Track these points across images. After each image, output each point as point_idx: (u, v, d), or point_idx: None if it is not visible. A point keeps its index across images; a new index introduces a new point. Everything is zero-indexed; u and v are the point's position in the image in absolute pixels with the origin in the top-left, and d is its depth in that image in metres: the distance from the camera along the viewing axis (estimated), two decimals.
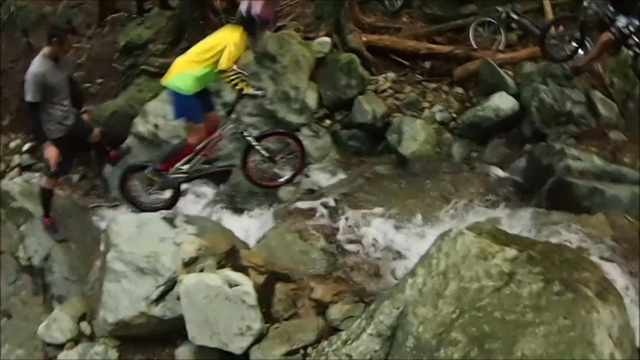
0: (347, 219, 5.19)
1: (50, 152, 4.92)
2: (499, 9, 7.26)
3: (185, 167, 5.54)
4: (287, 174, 5.94)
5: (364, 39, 7.07)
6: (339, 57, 6.84)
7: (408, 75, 7.05)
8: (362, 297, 4.26)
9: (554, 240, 4.15)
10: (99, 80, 8.53)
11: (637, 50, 6.15)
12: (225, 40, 5.06)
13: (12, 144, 8.26)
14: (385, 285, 4.37)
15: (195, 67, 5.13)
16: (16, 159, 7.98)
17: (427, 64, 7.10)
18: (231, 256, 4.39)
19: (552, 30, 6.53)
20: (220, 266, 4.23)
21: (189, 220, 4.70)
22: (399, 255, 4.79)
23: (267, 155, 5.62)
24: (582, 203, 4.87)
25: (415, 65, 7.10)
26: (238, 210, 5.90)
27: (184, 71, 5.14)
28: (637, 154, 5.68)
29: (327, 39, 7.00)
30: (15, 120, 8.46)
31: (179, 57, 5.35)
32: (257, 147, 5.54)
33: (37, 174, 7.56)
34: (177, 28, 8.02)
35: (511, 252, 3.38)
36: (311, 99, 6.58)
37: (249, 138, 5.52)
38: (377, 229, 5.06)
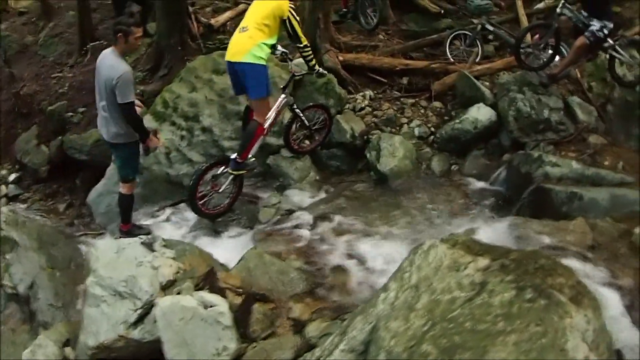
0: (326, 238, 5.19)
1: (156, 141, 5.20)
2: (475, 21, 7.32)
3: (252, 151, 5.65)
4: (318, 139, 6.47)
5: (340, 58, 7.11)
6: (315, 78, 6.84)
7: (386, 92, 7.07)
8: (341, 314, 4.21)
9: (530, 247, 4.11)
10: (81, 109, 8.49)
11: (613, 53, 6.17)
12: (279, 9, 5.34)
13: None
14: (364, 302, 4.31)
15: (265, 36, 5.33)
16: (3, 189, 8.03)
17: (405, 80, 7.13)
18: (209, 278, 4.35)
19: (528, 39, 6.58)
20: (198, 288, 4.22)
21: (168, 244, 4.70)
22: (378, 272, 4.73)
23: (307, 124, 6.16)
24: (561, 209, 4.85)
25: (393, 82, 7.13)
26: (218, 233, 5.87)
27: (260, 41, 5.29)
28: (616, 156, 5.66)
29: None
30: (2, 149, 8.52)
31: (235, 35, 5.49)
32: (302, 117, 6.06)
33: (23, 205, 7.72)
34: (155, 55, 8.06)
35: (484, 261, 3.34)
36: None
37: (297, 110, 6.01)
38: (356, 246, 5.04)
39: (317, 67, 5.79)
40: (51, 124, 8.35)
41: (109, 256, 4.48)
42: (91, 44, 9.33)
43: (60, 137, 7.95)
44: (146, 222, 6.18)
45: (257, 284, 4.46)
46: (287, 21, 5.42)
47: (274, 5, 5.42)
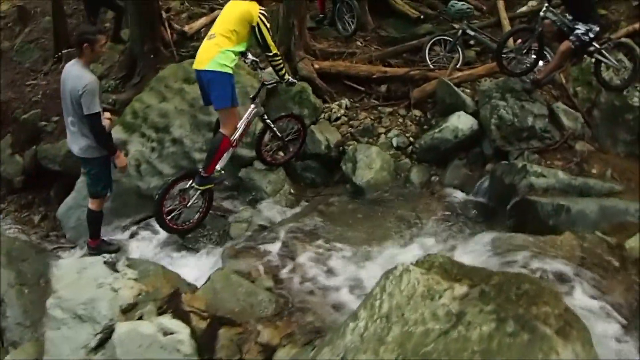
0: (298, 256, 4.78)
1: (124, 160, 4.96)
2: (455, 26, 6.93)
3: (219, 164, 5.27)
4: (292, 150, 6.09)
5: (316, 66, 6.71)
6: (287, 87, 6.44)
7: (363, 101, 6.68)
8: (313, 338, 3.84)
9: (514, 267, 3.70)
10: (55, 118, 8.06)
11: (599, 57, 5.80)
12: (248, 13, 4.95)
13: None
14: (337, 324, 3.92)
15: (232, 43, 4.96)
16: None
17: (383, 88, 6.73)
18: (173, 301, 4.02)
19: (510, 43, 6.20)
20: (161, 311, 3.92)
21: (131, 263, 4.44)
22: (353, 292, 4.34)
23: (279, 135, 5.78)
24: (547, 222, 4.47)
25: (371, 90, 6.75)
26: (188, 250, 5.47)
27: (226, 48, 4.92)
28: (604, 163, 5.27)
29: None
30: None
31: (204, 42, 5.11)
32: (274, 129, 5.67)
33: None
34: (128, 62, 7.65)
35: (461, 288, 2.93)
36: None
37: (268, 121, 5.61)
38: (330, 265, 4.64)
39: (287, 76, 5.41)
40: (25, 133, 7.98)
41: (71, 276, 4.21)
42: (65, 50, 8.88)
43: (34, 147, 7.58)
44: (116, 236, 5.83)
45: (223, 306, 4.14)
46: (256, 28, 5.03)
47: (242, 10, 5.04)
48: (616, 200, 4.56)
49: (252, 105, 5.54)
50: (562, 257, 3.88)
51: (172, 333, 3.58)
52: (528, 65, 5.94)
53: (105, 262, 4.34)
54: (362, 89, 6.75)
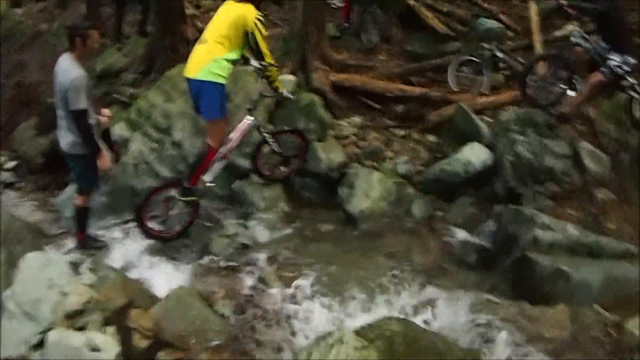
0: (269, 285, 4.38)
1: (106, 162, 4.65)
2: (486, 46, 6.23)
3: (209, 176, 4.94)
4: (292, 166, 5.60)
5: (332, 78, 6.18)
6: (299, 97, 5.96)
7: (376, 120, 6.11)
8: None
9: (487, 346, 3.11)
10: None
11: (633, 94, 5.04)
12: (242, 19, 4.48)
13: None
14: None
15: (225, 50, 4.53)
16: None
17: (400, 108, 6.13)
18: (122, 314, 3.83)
19: (540, 69, 5.50)
20: (106, 322, 3.75)
21: (94, 267, 4.32)
22: (308, 336, 3.89)
23: (277, 150, 5.29)
24: (543, 287, 3.84)
25: (387, 109, 6.15)
26: (168, 258, 5.04)
27: (218, 56, 4.49)
28: (625, 218, 4.55)
29: (291, 77, 6.16)
30: (2, 136, 8.09)
31: (196, 48, 4.69)
32: (271, 143, 5.19)
33: (17, 193, 7.26)
34: (148, 57, 7.35)
35: None
36: None
37: (265, 134, 5.15)
38: (297, 302, 4.20)
39: (280, 89, 4.89)
40: (50, 117, 7.72)
41: (30, 271, 4.06)
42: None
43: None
44: (106, 233, 5.48)
45: (172, 327, 3.90)
46: (250, 34, 4.55)
47: (237, 14, 4.57)
48: (627, 268, 3.86)
49: (249, 117, 5.10)
50: (546, 336, 3.27)
51: (98, 350, 3.44)
52: (554, 96, 5.24)
53: (70, 263, 4.21)
54: (378, 106, 6.18)
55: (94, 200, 5.30)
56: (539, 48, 5.99)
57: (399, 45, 6.77)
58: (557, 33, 6.23)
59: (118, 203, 5.73)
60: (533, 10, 6.16)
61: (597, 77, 4.81)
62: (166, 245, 5.17)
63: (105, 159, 4.65)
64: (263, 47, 4.59)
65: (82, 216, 4.99)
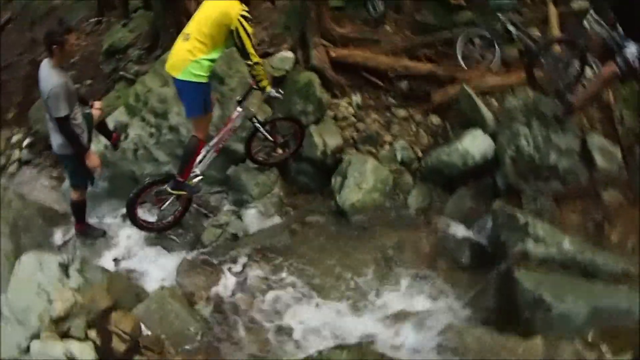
0: (252, 284, 4.29)
1: (95, 161, 4.50)
2: (501, 17, 5.50)
3: (199, 168, 4.74)
4: (286, 152, 5.31)
5: (332, 54, 5.63)
6: (297, 78, 5.50)
7: (379, 98, 5.58)
8: None
9: None
10: (88, 82, 7.69)
11: None
12: (226, 16, 4.10)
13: (14, 138, 7.64)
14: None
15: (207, 50, 4.19)
16: (16, 154, 7.37)
17: (404, 85, 5.56)
18: (104, 317, 3.85)
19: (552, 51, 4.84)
20: (89, 326, 3.80)
21: (82, 269, 4.21)
22: (285, 339, 3.84)
23: (271, 139, 5.02)
24: (523, 312, 3.43)
25: (390, 86, 5.59)
26: (163, 249, 4.99)
27: (200, 57, 4.18)
28: (631, 226, 4.02)
29: (290, 55, 5.67)
30: (19, 113, 7.88)
31: (178, 41, 4.34)
32: (264, 133, 4.93)
33: (34, 170, 7.12)
34: (153, 34, 6.93)
35: None
36: None
37: (257, 125, 4.86)
38: (278, 300, 4.12)
39: (268, 88, 4.47)
40: None
41: (24, 275, 4.12)
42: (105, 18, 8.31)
43: None
44: (106, 219, 5.47)
45: (151, 330, 3.90)
46: (234, 32, 4.10)
47: (221, 10, 4.14)
48: (620, 295, 3.39)
49: (239, 109, 4.75)
50: None
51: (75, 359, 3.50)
52: (564, 83, 4.61)
53: (60, 265, 4.17)
54: (381, 83, 5.62)
55: (96, 186, 5.17)
56: (554, 23, 5.24)
57: (408, 15, 6.08)
58: (574, 5, 5.43)
59: (119, 188, 5.59)
60: None
61: (610, 68, 4.13)
62: (161, 234, 5.05)
63: (93, 158, 4.50)
64: (248, 45, 4.16)
65: (78, 209, 4.96)
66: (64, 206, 5.92)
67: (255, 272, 4.31)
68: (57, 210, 5.86)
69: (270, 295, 4.14)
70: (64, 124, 4.23)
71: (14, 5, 9.38)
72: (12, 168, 7.20)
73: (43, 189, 6.72)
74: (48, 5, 9.13)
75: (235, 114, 4.76)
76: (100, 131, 5.01)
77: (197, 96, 4.28)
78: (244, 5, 4.15)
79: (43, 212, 5.70)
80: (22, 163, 7.22)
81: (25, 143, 7.38)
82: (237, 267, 4.40)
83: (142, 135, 5.61)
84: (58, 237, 5.36)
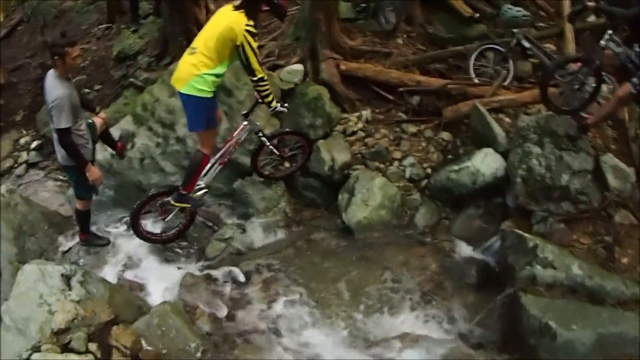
0: (252, 301, 4.31)
1: (95, 173, 4.51)
2: (515, 31, 5.49)
3: (204, 181, 4.77)
4: (293, 166, 5.32)
5: (342, 67, 5.66)
6: (306, 91, 5.53)
7: (390, 113, 5.58)
8: None
9: None
10: (97, 87, 7.83)
11: None
12: (231, 31, 4.11)
13: (22, 140, 7.84)
14: None
15: (212, 65, 4.21)
16: (24, 156, 7.57)
17: (415, 100, 5.56)
18: (105, 330, 3.88)
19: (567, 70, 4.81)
20: (90, 339, 3.83)
21: (85, 280, 4.18)
22: (293, 357, 3.85)
23: (277, 153, 5.05)
24: (529, 339, 3.41)
25: (401, 101, 5.59)
26: (167, 260, 5.04)
27: (204, 72, 4.20)
28: None
29: (299, 67, 5.69)
30: (28, 116, 8.05)
31: (185, 55, 4.38)
32: (270, 147, 4.94)
33: (41, 172, 7.30)
34: (162, 41, 7.01)
35: None
36: None
37: (263, 139, 4.88)
38: (279, 321, 4.12)
39: (273, 103, 4.47)
40: None
41: (26, 285, 4.09)
42: (115, 23, 8.41)
43: None
44: (112, 228, 5.51)
45: (151, 346, 3.93)
46: (240, 48, 4.13)
47: (225, 25, 4.16)
48: (627, 322, 3.37)
49: (245, 122, 4.79)
50: None
51: None
52: (579, 102, 4.60)
53: (62, 275, 4.14)
54: (391, 98, 5.63)
55: (102, 194, 5.22)
56: (569, 38, 5.22)
57: (421, 27, 6.08)
58: (591, 20, 5.38)
59: (125, 197, 5.66)
60: None
61: (625, 90, 4.11)
62: (165, 245, 5.10)
63: (93, 171, 4.52)
64: (253, 62, 4.18)
65: (82, 219, 5.01)
66: (69, 210, 6.04)
67: (258, 289, 4.34)
68: (63, 214, 5.97)
69: (273, 313, 4.15)
70: (64, 136, 4.25)
71: (25, 7, 9.49)
72: (19, 170, 7.38)
73: (49, 192, 6.86)
74: (59, 8, 9.25)
75: (241, 128, 4.79)
76: (104, 140, 5.07)
77: (199, 111, 4.31)
78: (250, 19, 4.17)
79: (48, 216, 5.77)
80: (30, 165, 7.38)
81: (33, 145, 7.55)
82: (240, 283, 4.43)
83: (148, 145, 5.66)
84: (62, 242, 5.40)
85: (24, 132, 7.89)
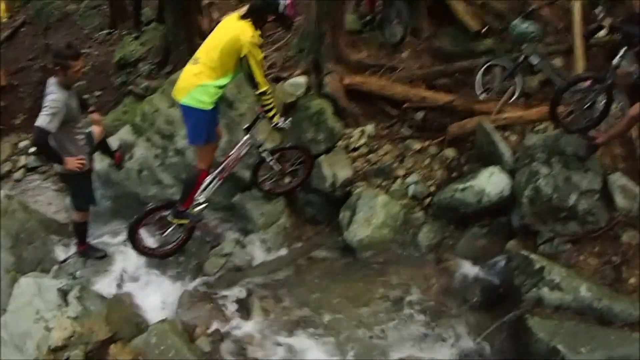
0: (250, 321, 4.31)
1: (72, 163, 4.42)
2: (524, 48, 5.49)
3: (203, 195, 4.80)
4: (294, 182, 5.33)
5: (347, 81, 5.69)
6: (309, 104, 5.56)
7: (394, 128, 5.61)
8: None
9: None
10: (97, 93, 7.91)
11: None
12: (236, 42, 4.14)
13: (22, 144, 7.94)
14: None
15: (215, 75, 4.23)
16: (23, 160, 7.66)
17: (420, 116, 5.59)
18: (103, 348, 3.93)
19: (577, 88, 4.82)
20: (87, 357, 3.88)
21: (82, 296, 4.23)
22: None
23: (278, 168, 5.07)
24: None
25: (405, 116, 5.62)
26: (164, 274, 5.05)
27: (206, 82, 4.22)
28: None
29: (302, 80, 5.75)
30: (28, 119, 8.06)
31: (188, 65, 4.40)
32: (271, 162, 4.96)
33: (40, 177, 7.34)
34: (164, 49, 7.07)
35: None
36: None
37: (264, 154, 4.92)
38: (275, 344, 4.08)
39: (275, 118, 4.51)
40: None
41: (23, 299, 4.20)
42: (118, 28, 8.50)
43: None
44: (109, 239, 5.52)
45: None
46: (244, 59, 4.17)
47: (231, 36, 4.20)
48: (634, 346, 3.36)
49: (246, 137, 4.82)
50: None
51: None
52: (588, 122, 4.61)
53: (59, 289, 4.23)
54: (396, 113, 5.66)
55: (100, 205, 5.24)
56: (579, 55, 5.24)
57: (427, 41, 6.11)
58: (603, 38, 5.41)
59: (122, 208, 5.73)
60: (577, 10, 5.36)
61: (637, 109, 4.13)
62: (163, 260, 5.10)
63: (69, 160, 4.40)
64: (257, 74, 4.22)
65: (80, 231, 5.05)
66: (66, 218, 6.06)
67: (257, 307, 4.33)
68: (60, 222, 5.99)
69: (272, 332, 4.14)
70: (39, 135, 4.19)
71: (28, 9, 9.59)
72: (17, 174, 7.47)
73: (47, 197, 6.89)
74: (62, 10, 9.34)
75: (242, 142, 4.82)
76: (102, 150, 5.09)
77: (199, 123, 4.32)
78: (255, 30, 4.20)
79: (46, 224, 5.80)
80: (28, 170, 7.47)
81: (32, 150, 7.60)
82: (239, 301, 4.42)
83: (147, 156, 5.72)
84: (60, 252, 5.42)
85: (24, 135, 7.96)
